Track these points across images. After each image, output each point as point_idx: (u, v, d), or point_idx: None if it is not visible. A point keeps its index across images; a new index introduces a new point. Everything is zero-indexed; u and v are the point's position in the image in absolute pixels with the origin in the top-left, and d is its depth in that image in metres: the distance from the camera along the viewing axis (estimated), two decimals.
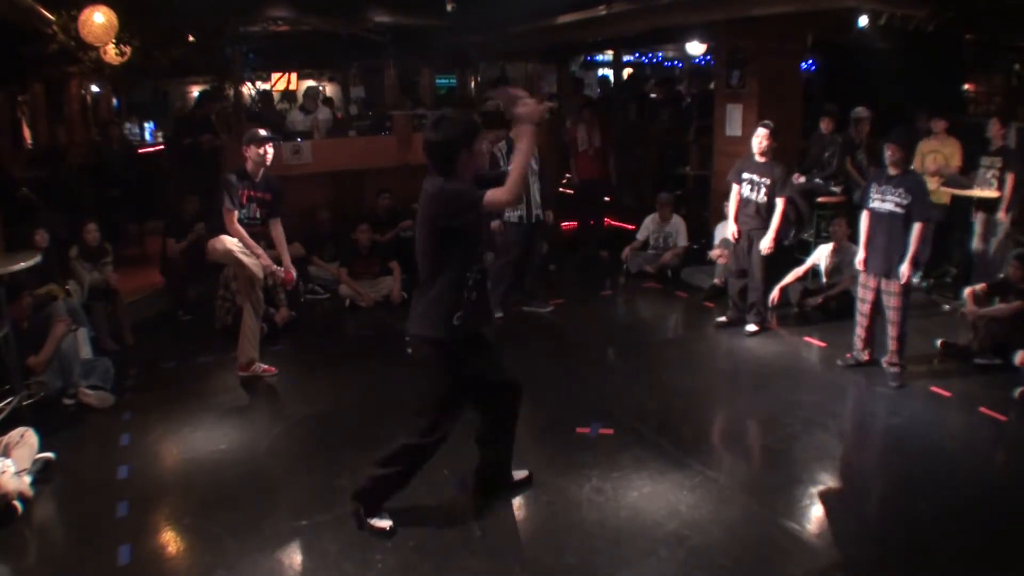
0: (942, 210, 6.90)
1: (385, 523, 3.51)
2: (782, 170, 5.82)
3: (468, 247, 3.25)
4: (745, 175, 5.89)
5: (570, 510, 3.67)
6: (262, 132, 5.11)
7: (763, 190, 5.78)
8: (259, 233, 5.18)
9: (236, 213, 4.95)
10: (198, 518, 3.71)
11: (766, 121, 5.91)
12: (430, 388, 3.39)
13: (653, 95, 11.35)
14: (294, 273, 5.36)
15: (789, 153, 7.72)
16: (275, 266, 5.19)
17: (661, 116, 10.24)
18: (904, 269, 4.85)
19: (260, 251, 5.08)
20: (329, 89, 15.93)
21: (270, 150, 5.09)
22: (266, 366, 5.47)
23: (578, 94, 11.21)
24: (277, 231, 5.27)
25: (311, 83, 15.60)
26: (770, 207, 5.79)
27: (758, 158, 5.82)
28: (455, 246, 3.20)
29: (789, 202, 7.57)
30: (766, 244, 5.78)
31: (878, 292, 5.06)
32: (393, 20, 9.00)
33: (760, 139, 5.78)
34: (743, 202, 5.91)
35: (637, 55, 14.18)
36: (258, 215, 5.15)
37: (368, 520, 3.51)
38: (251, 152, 5.02)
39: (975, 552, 3.41)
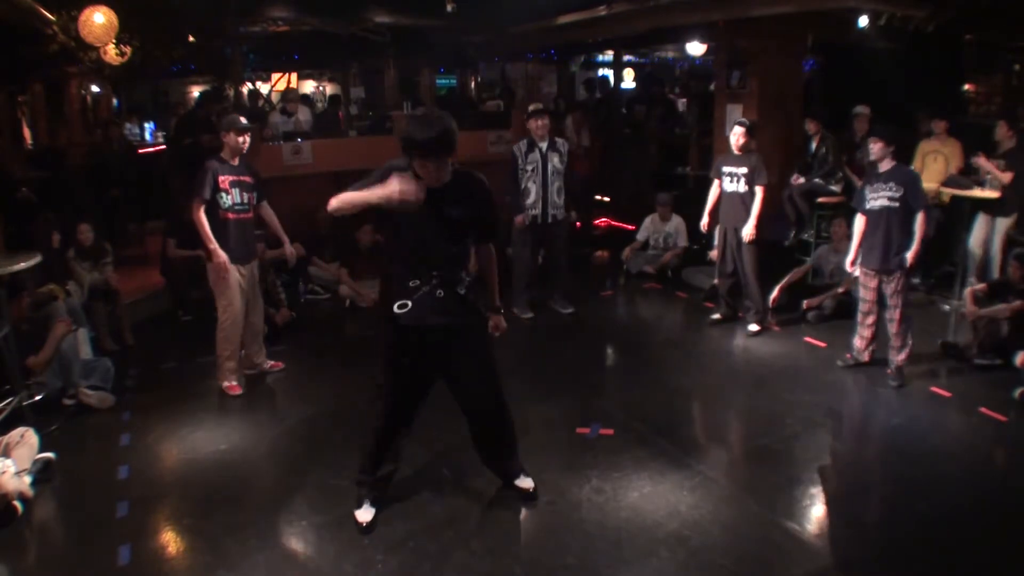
0: (942, 210, 6.90)
1: (364, 516, 3.53)
2: (758, 158, 5.91)
3: (399, 235, 3.23)
4: (725, 169, 6.01)
5: (570, 510, 3.67)
6: (243, 120, 5.03)
7: (743, 180, 5.89)
8: (251, 219, 5.08)
9: (204, 205, 4.83)
10: (198, 518, 3.71)
11: (741, 119, 6.07)
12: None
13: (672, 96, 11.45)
14: (292, 251, 5.31)
15: (790, 153, 7.74)
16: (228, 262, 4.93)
17: (654, 116, 10.28)
18: (909, 255, 4.87)
19: (216, 246, 4.86)
20: (329, 89, 15.94)
21: (248, 139, 5.00)
22: (272, 362, 5.51)
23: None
24: (268, 213, 5.23)
25: (311, 83, 15.63)
26: (752, 196, 5.86)
27: (735, 152, 5.94)
28: (385, 229, 3.31)
29: (789, 202, 7.62)
30: (747, 231, 5.83)
31: (879, 291, 5.06)
32: (393, 20, 9.01)
33: (737, 137, 5.90)
34: (727, 197, 6.00)
35: (635, 57, 14.18)
36: (245, 199, 5.01)
37: (355, 510, 3.55)
38: (231, 139, 4.93)
39: (975, 552, 3.40)
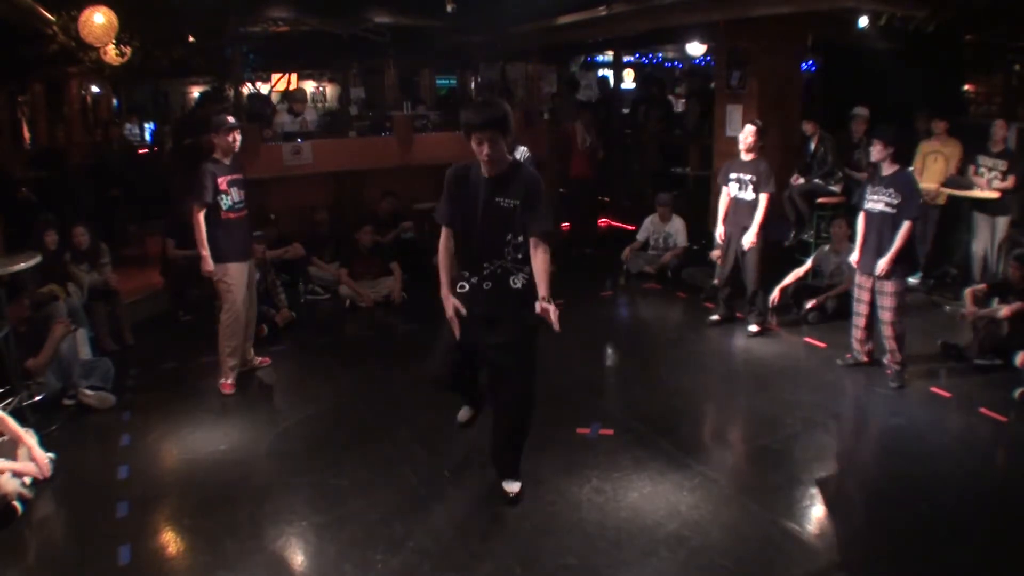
0: (939, 210, 6.91)
1: (512, 487, 3.70)
2: (766, 165, 5.84)
3: (461, 228, 3.43)
4: (732, 175, 5.93)
5: (570, 510, 3.67)
6: (230, 119, 5.04)
7: (750, 187, 5.82)
8: (247, 216, 5.11)
9: (204, 208, 4.85)
10: (198, 518, 3.71)
11: (755, 120, 6.01)
12: None
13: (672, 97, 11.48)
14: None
15: (789, 153, 7.75)
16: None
17: (653, 117, 10.28)
18: (882, 263, 4.84)
19: (208, 254, 4.89)
20: (329, 89, 15.94)
21: (239, 137, 5.03)
22: (260, 358, 5.56)
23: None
24: None
25: (311, 83, 15.62)
26: (758, 204, 5.81)
27: (744, 156, 5.87)
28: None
29: (789, 202, 7.62)
30: (748, 239, 5.79)
31: (872, 294, 5.05)
32: (393, 20, 9.00)
33: (747, 135, 5.82)
34: (735, 202, 5.94)
35: (637, 55, 14.17)
36: (242, 197, 5.06)
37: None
38: (222, 139, 4.96)
39: (975, 552, 3.40)
